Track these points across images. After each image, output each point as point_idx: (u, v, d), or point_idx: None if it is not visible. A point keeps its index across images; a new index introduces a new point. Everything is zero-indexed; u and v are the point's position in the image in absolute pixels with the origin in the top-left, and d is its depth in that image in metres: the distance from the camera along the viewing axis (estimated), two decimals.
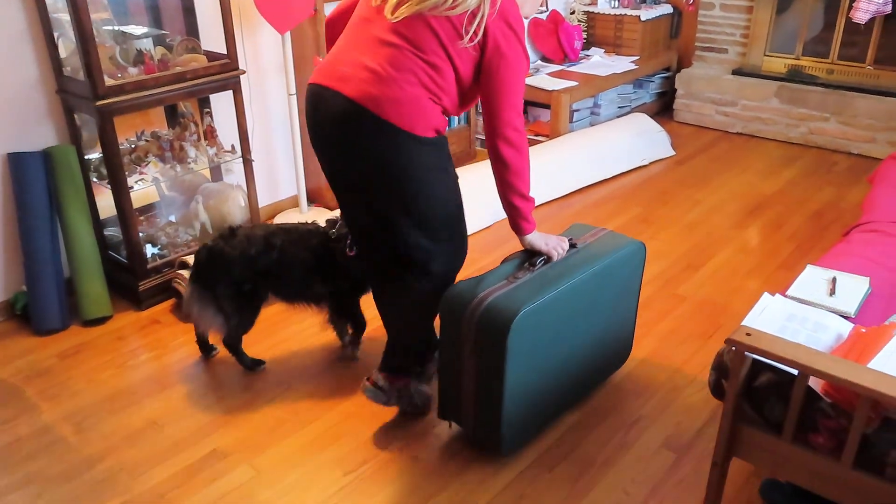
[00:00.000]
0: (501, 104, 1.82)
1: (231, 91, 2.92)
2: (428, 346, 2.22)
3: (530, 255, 2.03)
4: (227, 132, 3.08)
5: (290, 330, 2.66)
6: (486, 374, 1.88)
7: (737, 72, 4.64)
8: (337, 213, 2.33)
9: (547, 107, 4.28)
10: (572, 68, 4.63)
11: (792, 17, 4.49)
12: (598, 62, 4.75)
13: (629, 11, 4.83)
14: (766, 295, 1.89)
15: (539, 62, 4.81)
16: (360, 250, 2.16)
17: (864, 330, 1.70)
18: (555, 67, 4.64)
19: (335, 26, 2.05)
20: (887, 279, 2.06)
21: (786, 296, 1.91)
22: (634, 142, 4.15)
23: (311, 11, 3.10)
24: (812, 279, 2.00)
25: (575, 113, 4.40)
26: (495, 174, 1.92)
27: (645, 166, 4.13)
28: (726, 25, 4.74)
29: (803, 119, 4.36)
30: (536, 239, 2.00)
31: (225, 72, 2.86)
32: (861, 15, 4.02)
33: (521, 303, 1.81)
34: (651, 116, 4.66)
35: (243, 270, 2.25)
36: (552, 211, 3.61)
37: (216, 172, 3.20)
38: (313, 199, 3.64)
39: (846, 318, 1.83)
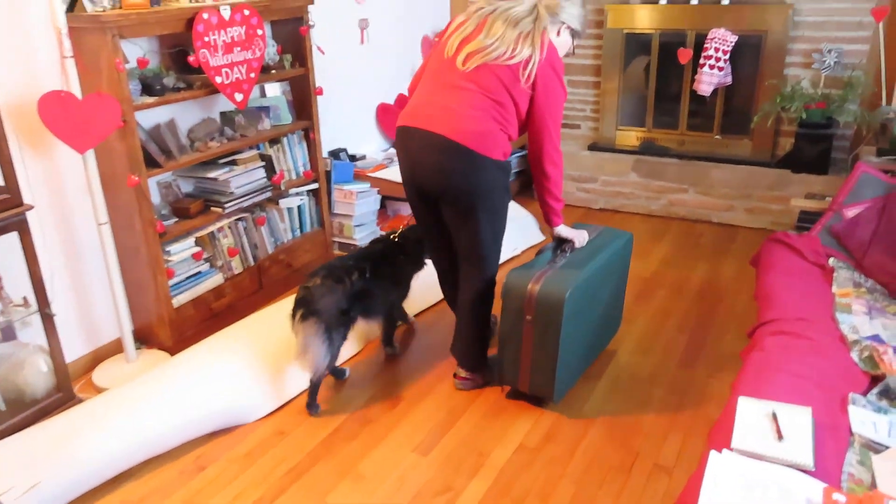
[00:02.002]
0: (549, 131, 2.35)
1: (16, 232, 2.29)
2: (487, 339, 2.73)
3: (559, 244, 2.61)
4: (16, 281, 2.42)
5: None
6: (544, 339, 2.38)
7: (592, 147, 4.58)
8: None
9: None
10: None
11: (639, 90, 4.51)
12: None
13: None
14: (713, 454, 1.58)
15: (392, 150, 4.49)
16: (437, 253, 2.71)
17: (839, 498, 1.42)
18: None
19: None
20: (823, 400, 1.84)
21: (733, 450, 1.62)
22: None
23: (119, 122, 2.55)
24: (751, 417, 1.73)
25: None
26: (537, 182, 2.48)
27: (517, 256, 3.88)
28: (576, 101, 4.69)
29: (662, 191, 4.34)
30: (563, 229, 2.59)
31: (4, 210, 2.23)
32: (704, 87, 4.08)
33: (568, 281, 2.33)
34: (513, 198, 4.47)
35: (349, 298, 2.51)
36: (432, 319, 3.21)
37: (7, 332, 2.50)
38: (144, 339, 3.00)
39: (806, 471, 1.55)
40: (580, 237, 2.61)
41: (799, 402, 1.81)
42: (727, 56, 3.98)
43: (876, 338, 2.18)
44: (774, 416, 1.72)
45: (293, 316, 2.46)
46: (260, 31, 3.03)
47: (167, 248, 2.90)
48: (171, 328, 2.93)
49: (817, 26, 3.87)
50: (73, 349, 2.78)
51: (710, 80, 4.06)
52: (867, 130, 3.77)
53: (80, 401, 2.53)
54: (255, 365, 2.60)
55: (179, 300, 2.98)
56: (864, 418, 1.78)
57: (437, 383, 2.74)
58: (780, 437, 1.65)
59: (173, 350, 2.92)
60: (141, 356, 2.90)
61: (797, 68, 3.99)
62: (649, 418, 2.50)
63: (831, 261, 2.66)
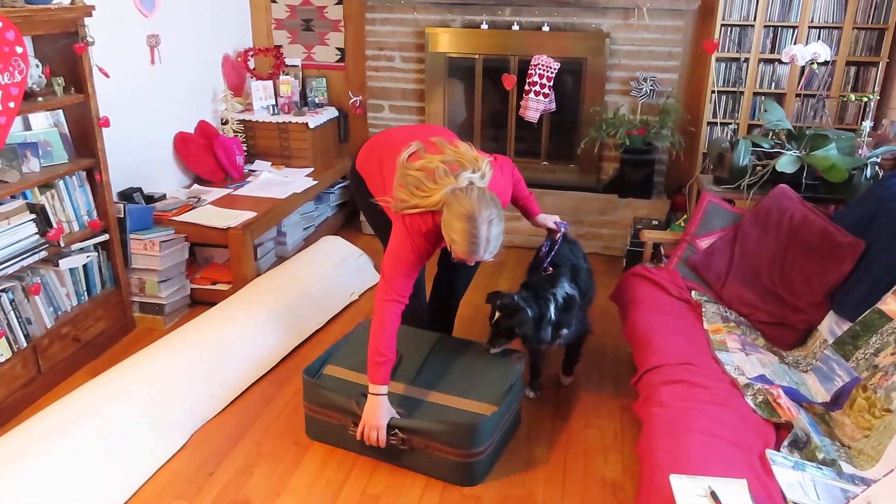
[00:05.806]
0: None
1: None
2: None
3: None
4: None
5: None
6: None
7: None
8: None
9: (223, 245, 3.37)
10: (241, 191, 3.79)
11: (465, 116, 4.35)
12: (270, 179, 4.00)
13: (293, 118, 4.20)
14: None
15: (196, 186, 3.86)
16: None
17: None
18: (219, 192, 3.75)
19: None
20: (747, 463, 1.70)
21: None
22: (337, 275, 3.48)
23: None
24: (691, 500, 1.53)
25: (258, 248, 3.56)
26: None
27: (356, 301, 3.48)
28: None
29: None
30: (370, 403, 2.18)
31: None
32: (531, 114, 4.01)
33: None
34: (337, 233, 4.09)
35: None
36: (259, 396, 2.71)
37: None
38: None
39: None
40: (368, 430, 2.17)
41: (726, 469, 1.65)
42: (551, 83, 3.94)
43: (762, 378, 2.12)
44: (714, 496, 1.54)
45: None
46: (19, 49, 2.34)
47: None
48: None
49: (632, 55, 3.97)
50: None
51: (535, 106, 3.99)
52: (684, 156, 3.93)
53: None
54: None
55: None
56: (789, 479, 1.67)
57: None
58: None
59: None
60: None
61: (616, 95, 4.06)
62: (540, 487, 2.25)
63: (694, 294, 2.62)
